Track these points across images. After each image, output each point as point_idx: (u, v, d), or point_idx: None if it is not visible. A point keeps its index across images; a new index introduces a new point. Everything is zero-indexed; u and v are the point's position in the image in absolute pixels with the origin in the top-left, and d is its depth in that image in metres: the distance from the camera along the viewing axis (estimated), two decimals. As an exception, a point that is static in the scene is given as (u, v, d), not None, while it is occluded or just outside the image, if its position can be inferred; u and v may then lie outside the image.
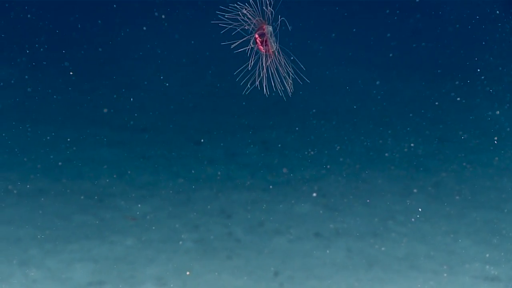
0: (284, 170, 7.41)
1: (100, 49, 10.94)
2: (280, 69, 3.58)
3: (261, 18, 3.48)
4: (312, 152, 7.99)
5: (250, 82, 3.53)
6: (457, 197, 6.82)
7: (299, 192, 6.98)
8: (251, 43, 3.46)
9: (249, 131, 8.69)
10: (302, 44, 11.16)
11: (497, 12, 11.67)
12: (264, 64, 3.55)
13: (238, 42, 3.42)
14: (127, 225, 6.13)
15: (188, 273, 5.40)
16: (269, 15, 3.41)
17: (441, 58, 10.95)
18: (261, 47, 3.49)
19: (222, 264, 5.50)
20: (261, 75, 3.55)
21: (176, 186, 7.08)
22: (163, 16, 11.75)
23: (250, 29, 3.44)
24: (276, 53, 3.53)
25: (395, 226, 6.24)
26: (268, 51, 3.51)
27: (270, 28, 3.49)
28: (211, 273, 5.35)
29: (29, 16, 11.78)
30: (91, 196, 6.76)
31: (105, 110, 8.91)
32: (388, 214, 6.47)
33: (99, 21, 11.77)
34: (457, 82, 10.00)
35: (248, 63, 3.49)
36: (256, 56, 3.46)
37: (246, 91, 3.55)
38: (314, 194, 6.90)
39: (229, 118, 9.07)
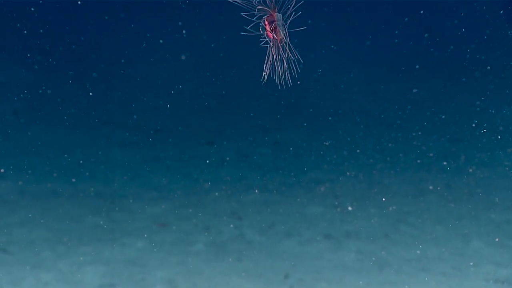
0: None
1: (113, 52, 10.99)
2: (285, 57, 3.59)
3: (272, 5, 3.49)
4: (324, 153, 7.98)
5: (265, 71, 3.53)
6: (469, 198, 6.77)
7: (310, 194, 6.97)
8: (260, 29, 3.48)
9: (262, 131, 8.70)
10: (316, 44, 11.14)
11: None
12: (272, 52, 3.56)
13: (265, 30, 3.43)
14: (139, 227, 6.16)
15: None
16: (280, 3, 3.43)
17: (454, 58, 10.88)
18: (269, 33, 3.51)
19: (233, 267, 5.51)
20: (268, 63, 3.57)
21: (188, 187, 7.10)
22: (179, 22, 11.78)
23: (261, 15, 3.47)
24: (284, 41, 3.55)
25: (407, 227, 6.21)
26: (277, 38, 3.53)
27: (280, 16, 3.50)
28: (221, 276, 5.36)
29: (46, 19, 11.86)
30: (103, 197, 6.80)
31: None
32: (400, 215, 6.45)
33: (111, 24, 11.83)
34: (469, 82, 9.94)
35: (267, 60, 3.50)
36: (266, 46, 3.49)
37: (263, 79, 3.55)
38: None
39: (242, 119, 9.08)
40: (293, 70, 3.54)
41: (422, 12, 12.13)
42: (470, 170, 7.44)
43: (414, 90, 9.62)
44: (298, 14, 3.45)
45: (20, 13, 11.84)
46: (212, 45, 11.03)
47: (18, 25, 11.62)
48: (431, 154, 7.88)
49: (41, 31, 11.45)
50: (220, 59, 10.85)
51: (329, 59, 10.85)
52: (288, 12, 3.50)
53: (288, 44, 3.51)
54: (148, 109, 9.23)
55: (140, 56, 10.85)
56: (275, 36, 3.49)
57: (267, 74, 3.55)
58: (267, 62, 3.54)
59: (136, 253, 5.66)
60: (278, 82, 3.55)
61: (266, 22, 3.48)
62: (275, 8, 3.51)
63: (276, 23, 3.49)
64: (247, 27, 3.48)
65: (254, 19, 3.52)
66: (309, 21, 11.02)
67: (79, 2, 10.32)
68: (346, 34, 11.75)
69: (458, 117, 8.91)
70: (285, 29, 3.52)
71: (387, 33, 11.84)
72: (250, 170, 7.57)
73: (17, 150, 7.92)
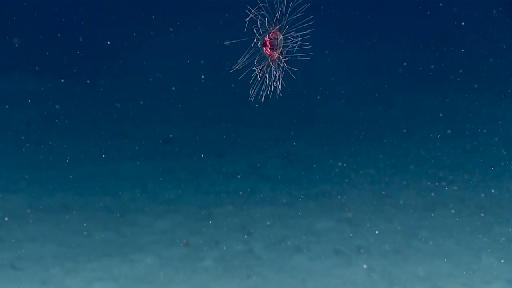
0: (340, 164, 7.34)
1: (124, 63, 11.02)
2: (276, 72, 3.64)
3: (276, 25, 3.52)
4: (334, 165, 7.92)
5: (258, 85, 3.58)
6: (481, 212, 6.69)
7: (321, 207, 6.92)
8: (258, 44, 3.51)
9: (273, 143, 8.66)
10: (327, 55, 11.10)
11: None
12: (269, 67, 3.61)
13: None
14: (148, 242, 6.15)
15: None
16: (284, 23, 3.46)
17: (467, 67, 10.78)
18: (268, 50, 3.54)
19: (241, 283, 5.47)
20: (262, 77, 3.61)
21: (197, 201, 7.08)
22: (189, 32, 11.79)
23: (262, 32, 3.50)
24: (279, 59, 3.59)
25: (418, 243, 6.14)
26: (273, 56, 3.56)
27: (282, 36, 3.54)
28: (229, 293, 5.33)
29: (59, 31, 11.93)
30: (113, 211, 6.80)
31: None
32: (411, 230, 6.38)
33: (123, 36, 11.86)
34: (483, 92, 9.84)
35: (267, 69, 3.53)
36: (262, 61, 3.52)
37: (254, 93, 3.60)
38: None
39: (253, 130, 9.05)
40: (277, 79, 3.56)
41: (435, 21, 12.04)
42: (483, 183, 7.35)
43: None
44: (312, 29, 3.45)
45: (34, 24, 11.92)
46: (222, 56, 11.01)
47: (32, 36, 11.68)
48: (444, 166, 7.80)
49: (53, 42, 11.51)
50: (230, 68, 10.82)
51: (340, 69, 10.80)
52: (296, 31, 3.50)
53: (282, 61, 3.53)
54: (159, 120, 9.23)
55: (151, 67, 10.86)
56: (272, 53, 3.51)
57: (257, 88, 3.58)
58: (260, 76, 3.56)
59: (144, 269, 5.64)
60: (267, 95, 3.58)
61: (267, 39, 3.49)
62: (278, 27, 3.52)
63: (278, 42, 3.50)
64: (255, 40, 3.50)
65: (258, 36, 3.52)
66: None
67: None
68: (357, 44, 11.70)
69: (471, 127, 8.82)
70: (283, 49, 3.53)
71: (398, 43, 11.77)
72: (261, 183, 7.53)
73: (28, 162, 7.94)
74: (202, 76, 10.59)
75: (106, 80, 10.35)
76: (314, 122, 9.19)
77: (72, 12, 12.05)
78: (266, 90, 3.66)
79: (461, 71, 10.70)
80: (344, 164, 7.95)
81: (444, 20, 12.11)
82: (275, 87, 3.64)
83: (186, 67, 10.87)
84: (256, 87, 3.66)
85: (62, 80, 10.28)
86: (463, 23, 11.83)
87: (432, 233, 6.32)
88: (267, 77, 3.62)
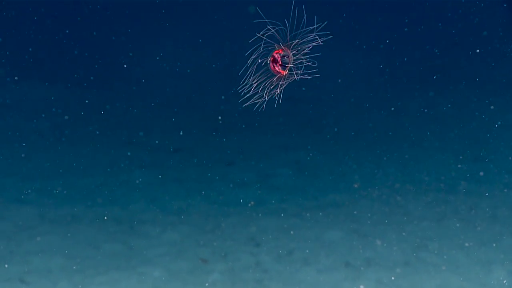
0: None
1: (132, 72, 11.03)
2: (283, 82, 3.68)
3: (288, 43, 3.53)
4: (344, 174, 7.88)
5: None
6: (493, 222, 6.61)
7: (330, 217, 6.88)
8: (268, 60, 3.52)
9: (283, 150, 8.63)
10: (336, 62, 11.06)
11: None
12: (278, 83, 3.65)
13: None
14: (156, 254, 6.14)
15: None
16: (295, 42, 3.46)
17: (478, 73, 10.70)
18: (277, 67, 3.56)
19: (249, 297, 5.45)
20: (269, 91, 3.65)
21: (206, 211, 7.06)
22: (198, 39, 11.80)
23: (274, 48, 3.52)
24: (289, 74, 3.62)
25: (428, 255, 6.08)
26: (281, 72, 3.59)
27: (292, 55, 3.56)
28: (237, 307, 5.31)
29: (67, 40, 11.98)
30: (122, 222, 6.79)
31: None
32: (421, 241, 6.32)
33: (130, 44, 11.89)
34: (493, 98, 9.75)
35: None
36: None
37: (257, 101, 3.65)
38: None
39: (262, 138, 9.02)
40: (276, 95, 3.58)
41: (444, 26, 11.96)
42: (495, 192, 7.28)
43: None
44: (319, 33, 3.44)
45: (44, 35, 11.97)
46: (232, 63, 11.01)
47: (43, 45, 11.74)
48: (455, 175, 7.73)
49: (62, 50, 11.55)
50: (239, 76, 10.81)
51: (350, 77, 10.75)
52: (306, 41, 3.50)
53: (289, 79, 3.54)
54: (168, 129, 9.23)
55: (160, 76, 10.87)
56: (281, 70, 3.51)
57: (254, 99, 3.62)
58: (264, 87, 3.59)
59: (152, 283, 5.63)
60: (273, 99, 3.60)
61: (278, 57, 3.49)
62: (289, 46, 3.51)
63: (289, 59, 3.50)
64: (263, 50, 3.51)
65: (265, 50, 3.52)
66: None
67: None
68: (368, 52, 11.64)
69: (483, 135, 8.74)
70: (292, 67, 3.53)
71: (408, 50, 11.70)
72: (270, 193, 7.50)
73: (37, 172, 7.96)
74: (223, 88, 10.59)
75: (116, 90, 10.36)
76: (324, 131, 9.15)
77: (85, 22, 12.11)
78: (274, 97, 3.68)
79: (473, 77, 10.62)
80: (353, 173, 7.90)
81: (455, 25, 12.02)
82: (281, 95, 3.66)
83: (195, 76, 10.86)
84: (264, 97, 3.68)
85: (72, 90, 10.31)
86: (475, 28, 11.73)
87: (442, 244, 6.26)
88: (276, 87, 3.63)
